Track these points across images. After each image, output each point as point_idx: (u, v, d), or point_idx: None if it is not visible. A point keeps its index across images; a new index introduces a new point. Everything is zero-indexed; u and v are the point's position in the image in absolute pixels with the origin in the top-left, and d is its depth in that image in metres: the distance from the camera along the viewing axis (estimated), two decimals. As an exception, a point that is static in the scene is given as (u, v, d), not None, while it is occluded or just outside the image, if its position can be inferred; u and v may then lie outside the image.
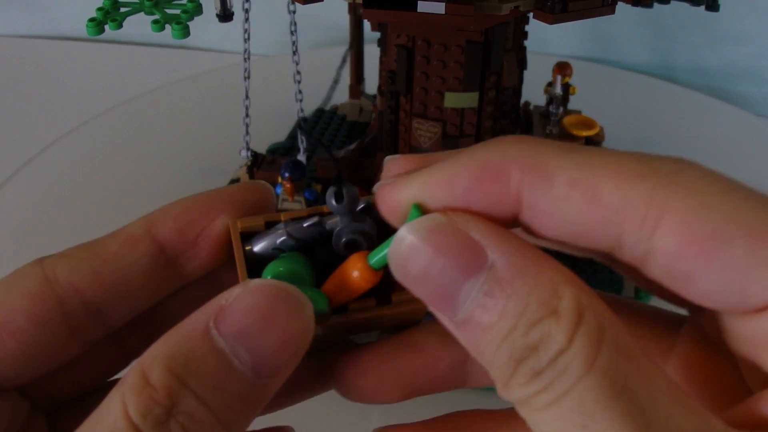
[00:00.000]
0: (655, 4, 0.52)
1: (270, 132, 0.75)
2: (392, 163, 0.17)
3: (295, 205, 0.59)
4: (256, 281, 0.15)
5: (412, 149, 0.59)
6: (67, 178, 0.74)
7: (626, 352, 0.14)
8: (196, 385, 0.14)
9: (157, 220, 0.19)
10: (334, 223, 0.17)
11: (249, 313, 0.15)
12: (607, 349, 0.14)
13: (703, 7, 0.53)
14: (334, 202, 0.17)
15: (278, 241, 0.17)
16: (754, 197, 0.17)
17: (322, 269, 0.17)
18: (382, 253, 0.17)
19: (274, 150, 0.72)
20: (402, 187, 0.16)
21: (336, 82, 0.78)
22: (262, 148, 0.69)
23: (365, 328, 0.18)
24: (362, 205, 0.18)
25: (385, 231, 0.19)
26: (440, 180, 0.15)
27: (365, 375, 0.19)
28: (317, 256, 0.17)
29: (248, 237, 0.17)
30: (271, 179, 0.61)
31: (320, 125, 0.78)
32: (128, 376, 0.15)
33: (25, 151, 0.78)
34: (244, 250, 0.16)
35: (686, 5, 0.53)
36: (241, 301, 0.15)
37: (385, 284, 0.17)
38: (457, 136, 0.57)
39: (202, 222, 0.18)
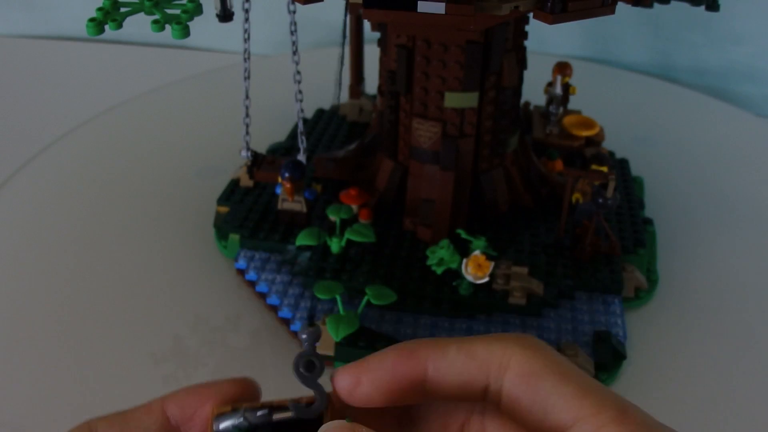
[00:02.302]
0: (655, 4, 0.52)
1: (270, 132, 0.75)
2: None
3: (295, 205, 0.60)
4: None
5: (412, 149, 0.59)
6: (67, 178, 0.74)
7: None
8: None
9: (168, 400, 0.26)
10: (282, 416, 0.24)
11: None
12: None
13: (703, 7, 0.53)
14: (302, 371, 0.25)
15: (237, 422, 0.24)
16: (562, 359, 0.24)
17: None
18: None
19: (274, 150, 0.72)
20: (348, 371, 0.25)
21: (339, 83, 0.78)
22: (262, 148, 0.69)
23: None
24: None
25: None
26: (374, 361, 0.25)
27: None
28: None
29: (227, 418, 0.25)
30: (271, 179, 0.61)
31: (320, 125, 0.78)
32: None
33: (25, 151, 0.78)
34: (215, 430, 0.24)
35: (686, 5, 0.53)
36: None
37: None
38: (457, 136, 0.57)
39: (197, 405, 0.25)
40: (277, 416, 0.24)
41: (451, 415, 0.26)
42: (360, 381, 0.24)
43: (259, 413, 0.24)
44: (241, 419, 0.24)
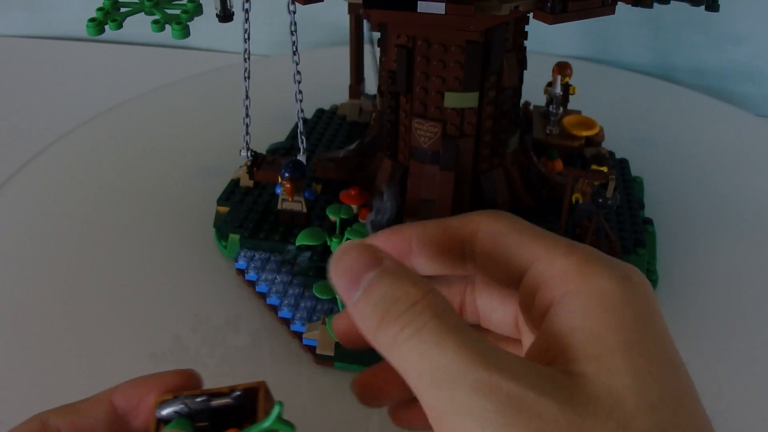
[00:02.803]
0: (655, 4, 0.52)
1: (270, 132, 0.75)
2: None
3: (295, 205, 0.60)
4: None
5: (412, 149, 0.59)
6: (67, 178, 0.74)
7: (456, 313, 0.23)
8: None
9: (115, 391, 0.27)
10: (220, 402, 0.25)
11: None
12: (446, 308, 0.22)
13: (703, 7, 0.53)
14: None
15: (178, 408, 0.25)
16: (524, 221, 0.27)
17: None
18: (252, 431, 0.24)
19: (274, 150, 0.72)
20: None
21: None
22: (262, 148, 0.69)
23: None
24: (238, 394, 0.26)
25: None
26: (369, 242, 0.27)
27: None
28: (202, 425, 0.25)
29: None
30: (271, 179, 0.61)
31: (320, 125, 0.78)
32: None
33: (25, 151, 0.78)
34: (158, 416, 0.25)
35: (686, 5, 0.53)
36: None
37: None
38: (457, 136, 0.57)
39: (141, 395, 0.27)
40: (216, 402, 0.25)
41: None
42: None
43: (198, 399, 0.25)
44: (182, 405, 0.25)
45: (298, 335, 0.53)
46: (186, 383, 0.27)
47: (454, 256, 0.27)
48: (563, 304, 0.23)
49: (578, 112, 0.74)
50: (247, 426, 0.24)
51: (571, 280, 0.23)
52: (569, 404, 0.20)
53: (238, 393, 0.25)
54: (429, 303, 0.22)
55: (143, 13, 0.49)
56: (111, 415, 0.27)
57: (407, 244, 0.27)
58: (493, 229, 0.26)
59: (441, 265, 0.27)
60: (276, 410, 0.24)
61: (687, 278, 0.61)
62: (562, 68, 0.71)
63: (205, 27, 0.54)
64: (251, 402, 0.25)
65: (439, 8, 0.46)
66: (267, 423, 0.24)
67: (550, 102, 0.71)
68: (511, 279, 0.26)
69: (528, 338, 0.27)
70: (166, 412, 0.25)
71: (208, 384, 0.27)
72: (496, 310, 0.29)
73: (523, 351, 0.28)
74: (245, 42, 0.56)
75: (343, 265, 0.24)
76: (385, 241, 0.27)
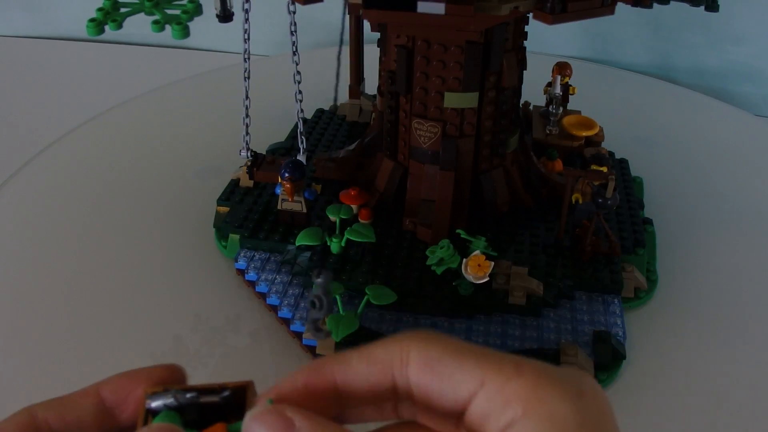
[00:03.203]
0: (655, 4, 0.52)
1: (270, 132, 0.75)
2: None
3: (295, 205, 0.60)
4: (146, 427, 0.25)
5: (412, 149, 0.59)
6: (67, 178, 0.74)
7: None
8: None
9: (103, 384, 0.28)
10: (209, 399, 0.26)
11: None
12: None
13: (702, 7, 0.53)
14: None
15: (167, 402, 0.26)
16: (456, 341, 0.25)
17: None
18: (239, 426, 0.24)
19: (274, 150, 0.72)
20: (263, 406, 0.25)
21: (337, 82, 0.78)
22: (262, 148, 0.69)
23: None
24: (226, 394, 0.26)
25: None
26: (286, 385, 0.26)
27: None
28: (190, 419, 0.26)
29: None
30: (271, 179, 0.61)
31: (320, 125, 0.78)
32: None
33: (25, 151, 0.78)
34: (147, 407, 0.26)
35: (686, 5, 0.53)
36: None
37: None
38: (456, 136, 0.57)
39: (129, 388, 0.27)
40: (205, 399, 0.26)
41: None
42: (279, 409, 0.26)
43: (188, 395, 0.26)
44: (172, 399, 0.26)
45: (298, 335, 0.53)
46: (172, 377, 0.28)
47: (385, 390, 0.26)
48: (516, 431, 0.22)
49: (578, 112, 0.74)
50: (234, 422, 0.25)
51: (522, 404, 0.23)
52: None
53: (226, 394, 0.26)
54: None
55: (143, 13, 0.50)
56: (99, 407, 0.27)
57: (331, 381, 0.26)
58: (426, 356, 0.25)
59: (373, 401, 0.26)
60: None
61: (687, 278, 0.61)
62: (562, 68, 0.71)
63: (205, 27, 0.54)
64: (239, 400, 0.26)
65: (439, 8, 0.46)
66: None
67: (550, 102, 0.71)
68: (456, 407, 0.24)
69: None
70: (155, 404, 0.26)
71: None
72: (435, 420, 0.27)
73: None
74: (245, 42, 0.56)
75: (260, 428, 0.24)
76: (308, 382, 0.26)
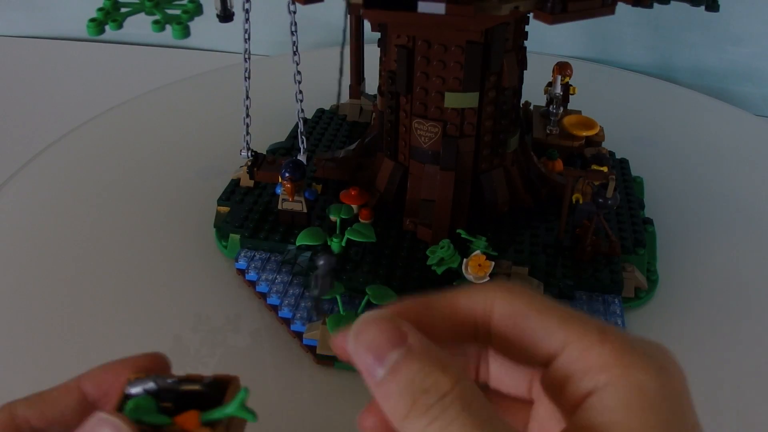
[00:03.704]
0: (655, 4, 0.52)
1: (270, 132, 0.75)
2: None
3: (296, 205, 0.60)
4: (98, 413, 0.24)
5: (413, 149, 0.59)
6: (67, 178, 0.74)
7: (486, 403, 0.22)
8: None
9: (84, 378, 0.27)
10: (190, 388, 0.25)
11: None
12: (475, 399, 0.22)
13: (703, 7, 0.53)
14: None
15: (147, 386, 0.25)
16: (543, 297, 0.25)
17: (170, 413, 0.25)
18: (213, 415, 0.24)
19: (274, 150, 0.72)
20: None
21: (341, 76, 0.78)
22: (262, 148, 0.69)
23: None
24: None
25: None
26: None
27: None
28: (167, 407, 0.25)
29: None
30: (272, 179, 0.61)
31: (320, 125, 0.78)
32: None
33: (25, 151, 0.78)
34: (126, 393, 0.25)
35: (686, 5, 0.53)
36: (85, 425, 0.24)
37: None
38: (457, 136, 0.57)
39: (111, 380, 0.27)
40: (186, 387, 0.25)
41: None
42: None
43: (169, 381, 0.25)
44: (152, 383, 0.25)
45: (299, 335, 0.53)
46: (155, 366, 0.27)
47: (466, 334, 0.26)
48: (601, 397, 0.22)
49: (578, 112, 0.74)
50: (209, 411, 0.24)
51: (607, 371, 0.22)
52: None
53: (207, 382, 0.25)
54: (458, 394, 0.21)
55: (143, 13, 0.50)
56: (81, 403, 0.27)
57: (414, 324, 0.25)
58: (510, 310, 0.25)
59: (452, 344, 0.26)
60: (240, 396, 0.24)
61: (687, 278, 0.61)
62: (563, 68, 0.71)
63: (205, 27, 0.54)
64: (220, 393, 0.25)
65: (440, 8, 0.46)
66: (230, 409, 0.24)
67: (550, 102, 0.71)
68: (535, 362, 0.25)
69: (544, 407, 0.27)
70: (135, 390, 0.25)
71: None
72: (510, 376, 0.28)
73: (536, 417, 0.27)
74: (245, 42, 0.56)
75: (365, 340, 0.23)
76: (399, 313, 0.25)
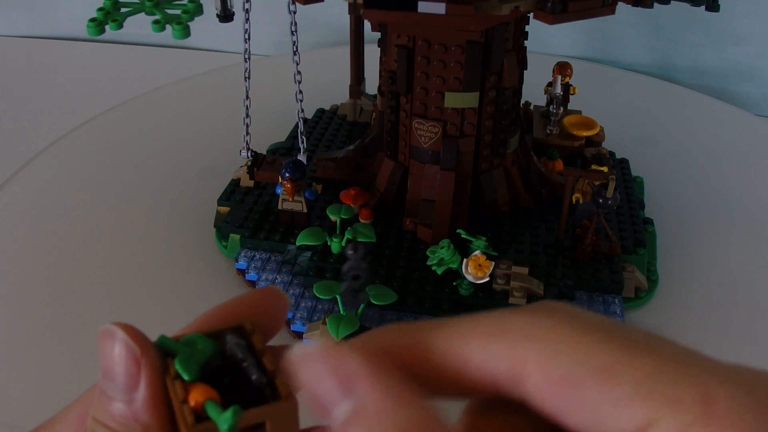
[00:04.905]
0: (655, 4, 0.52)
1: (270, 132, 0.75)
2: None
3: (296, 205, 0.60)
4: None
5: (413, 149, 0.59)
6: (67, 178, 0.74)
7: None
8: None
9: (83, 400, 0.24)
10: (248, 374, 0.22)
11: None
12: None
13: (703, 7, 0.53)
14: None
15: (234, 341, 0.23)
16: (610, 336, 0.18)
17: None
18: (214, 413, 0.20)
19: (274, 150, 0.72)
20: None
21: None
22: (262, 148, 0.69)
23: None
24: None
25: None
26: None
27: None
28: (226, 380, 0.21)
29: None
30: (272, 179, 0.61)
31: (320, 125, 0.78)
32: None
33: (25, 151, 0.78)
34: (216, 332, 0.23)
35: (686, 5, 0.53)
36: None
37: None
38: (457, 136, 0.57)
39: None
40: (251, 372, 0.22)
41: None
42: None
43: (244, 358, 0.22)
44: (235, 342, 0.22)
45: (299, 335, 0.53)
46: (268, 309, 0.24)
47: (485, 392, 0.19)
48: None
49: (578, 112, 0.74)
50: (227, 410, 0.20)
51: None
52: None
53: (267, 380, 0.21)
54: None
55: (143, 13, 0.50)
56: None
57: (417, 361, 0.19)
58: (556, 376, 0.17)
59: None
60: (227, 416, 0.20)
61: (687, 278, 0.61)
62: (563, 68, 0.71)
63: (205, 27, 0.54)
64: (263, 397, 0.21)
65: (440, 8, 0.46)
66: (220, 422, 0.20)
67: (550, 102, 0.71)
68: None
69: None
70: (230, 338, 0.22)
71: None
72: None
73: None
74: (245, 42, 0.56)
75: (307, 377, 0.18)
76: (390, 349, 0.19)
